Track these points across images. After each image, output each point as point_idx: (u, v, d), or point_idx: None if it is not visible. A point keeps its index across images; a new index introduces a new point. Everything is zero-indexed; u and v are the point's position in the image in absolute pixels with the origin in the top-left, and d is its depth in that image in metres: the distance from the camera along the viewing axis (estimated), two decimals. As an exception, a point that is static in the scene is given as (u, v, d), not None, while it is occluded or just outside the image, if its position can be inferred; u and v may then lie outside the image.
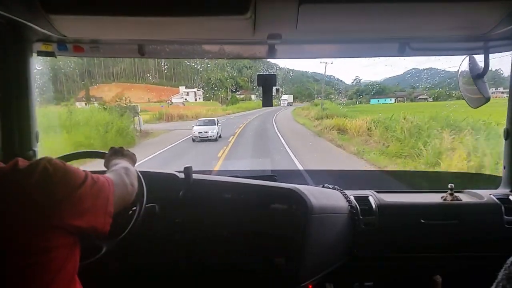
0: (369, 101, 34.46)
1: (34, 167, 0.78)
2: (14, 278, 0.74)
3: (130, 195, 1.05)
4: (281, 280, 1.43)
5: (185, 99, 38.54)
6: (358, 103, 32.94)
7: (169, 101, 37.64)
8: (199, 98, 39.68)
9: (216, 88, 38.60)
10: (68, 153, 1.43)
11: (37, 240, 0.74)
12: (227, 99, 39.15)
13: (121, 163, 1.18)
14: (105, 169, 1.23)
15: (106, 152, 1.33)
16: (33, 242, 0.74)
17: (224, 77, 39.10)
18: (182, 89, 40.02)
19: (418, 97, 30.92)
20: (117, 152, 1.29)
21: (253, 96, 40.54)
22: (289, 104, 36.86)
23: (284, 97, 37.02)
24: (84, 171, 0.87)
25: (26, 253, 0.74)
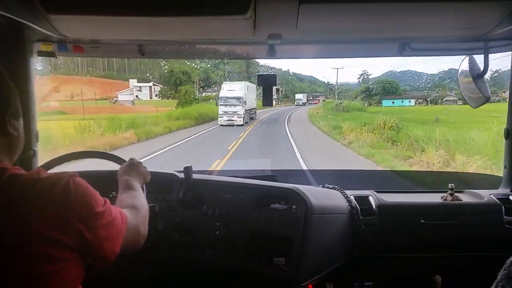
0: (381, 103, 27.54)
1: (56, 180, 0.79)
2: (20, 285, 0.74)
3: (138, 244, 1.00)
4: (281, 280, 1.43)
5: (136, 96, 28.60)
6: (368, 104, 26.31)
7: (115, 99, 27.98)
8: (156, 95, 29.23)
9: (179, 83, 28.12)
10: (90, 150, 1.44)
11: (47, 250, 0.75)
12: (195, 96, 27.92)
13: (136, 189, 1.16)
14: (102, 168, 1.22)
15: (125, 160, 1.33)
16: (43, 252, 0.74)
17: (191, 70, 28.62)
18: (132, 82, 29.33)
19: (444, 99, 25.25)
20: (133, 166, 1.26)
21: (229, 94, 33.13)
22: (251, 118, 18.85)
23: (231, 94, 16.36)
24: (104, 199, 0.86)
25: (35, 262, 0.74)
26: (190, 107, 21.21)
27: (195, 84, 29.61)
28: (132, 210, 1.02)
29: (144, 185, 1.28)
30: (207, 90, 30.62)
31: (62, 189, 0.78)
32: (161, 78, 30.17)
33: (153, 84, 29.70)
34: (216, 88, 29.34)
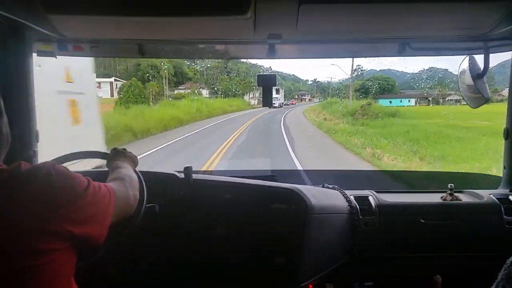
0: (378, 101, 24.73)
1: (37, 171, 0.79)
2: (11, 280, 0.73)
3: (131, 207, 1.03)
4: (281, 280, 1.43)
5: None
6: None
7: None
8: (119, 93, 24.37)
9: (148, 79, 24.48)
10: (69, 153, 1.43)
11: (36, 242, 0.74)
12: (163, 94, 23.84)
13: (123, 167, 1.18)
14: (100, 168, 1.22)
15: (108, 153, 1.33)
16: (31, 244, 0.74)
17: (160, 64, 25.33)
18: (90, 78, 24.80)
19: (447, 98, 22.89)
20: (119, 154, 1.29)
21: (204, 92, 28.85)
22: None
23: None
24: (86, 178, 0.86)
25: (24, 255, 0.73)
26: (133, 108, 13.23)
27: (164, 79, 25.91)
28: (118, 181, 1.05)
29: (143, 185, 1.27)
30: (179, 87, 27.21)
31: (44, 178, 0.78)
32: (126, 72, 25.57)
33: (115, 80, 25.34)
34: (189, 84, 26.54)
